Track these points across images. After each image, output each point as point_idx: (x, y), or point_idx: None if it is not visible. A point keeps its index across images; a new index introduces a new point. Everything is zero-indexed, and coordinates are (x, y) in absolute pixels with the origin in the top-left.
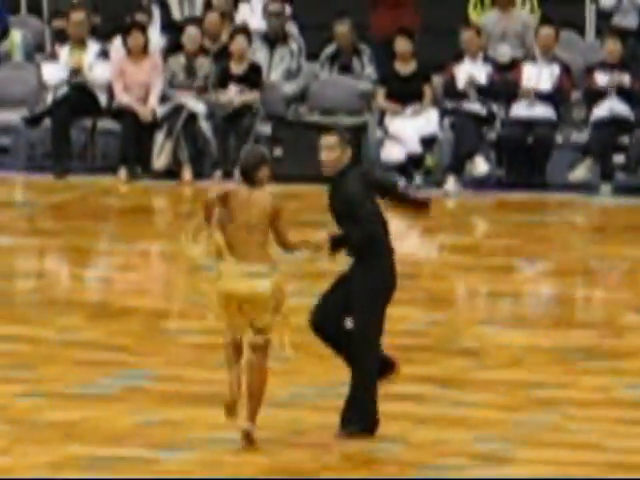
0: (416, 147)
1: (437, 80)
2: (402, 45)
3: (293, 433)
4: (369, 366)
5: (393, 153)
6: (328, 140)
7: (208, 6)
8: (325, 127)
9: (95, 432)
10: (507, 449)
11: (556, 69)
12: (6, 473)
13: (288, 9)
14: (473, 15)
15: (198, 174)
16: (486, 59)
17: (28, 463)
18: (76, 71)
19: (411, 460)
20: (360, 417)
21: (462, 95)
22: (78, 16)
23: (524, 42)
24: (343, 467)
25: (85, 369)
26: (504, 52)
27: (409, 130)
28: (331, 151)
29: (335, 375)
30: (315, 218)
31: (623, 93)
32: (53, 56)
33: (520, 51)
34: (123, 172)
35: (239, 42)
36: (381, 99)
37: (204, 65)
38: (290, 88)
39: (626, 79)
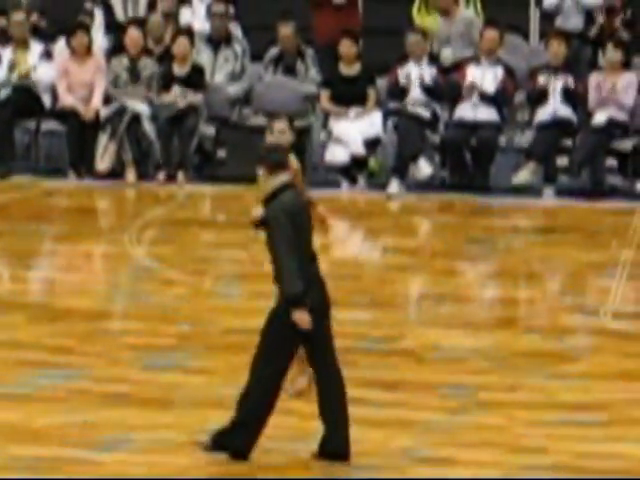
0: (360, 149)
1: (381, 82)
2: (346, 47)
3: None
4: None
5: (337, 155)
6: (280, 125)
7: (152, 7)
8: (272, 114)
9: (36, 432)
10: (448, 451)
11: (500, 71)
12: None
13: (232, 10)
14: (417, 18)
15: (142, 175)
16: (431, 61)
17: None
18: (20, 72)
19: (352, 461)
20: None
21: (405, 97)
22: (18, 16)
23: (470, 41)
24: (284, 468)
25: (25, 369)
26: (447, 55)
27: (353, 132)
28: (284, 134)
29: None
30: None
31: (566, 96)
32: None
33: (468, 51)
34: (71, 174)
35: (181, 43)
36: (325, 101)
37: (147, 66)
38: (234, 90)
39: (569, 81)
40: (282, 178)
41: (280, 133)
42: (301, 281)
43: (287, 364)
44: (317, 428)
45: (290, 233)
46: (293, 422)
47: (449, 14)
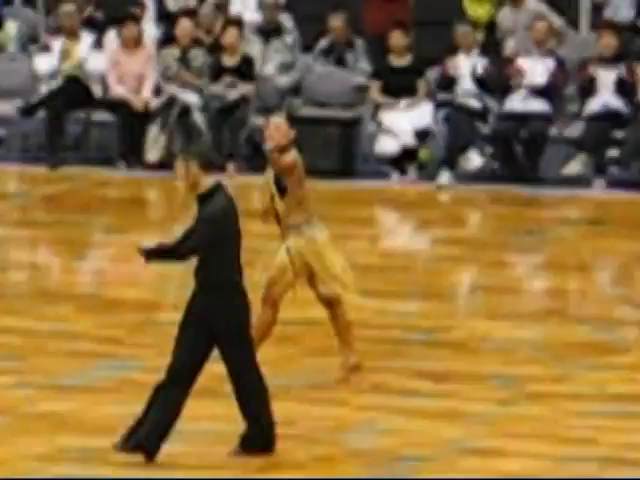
0: (410, 140)
1: (431, 74)
2: (397, 39)
3: (279, 425)
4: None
5: (387, 146)
6: (275, 120)
7: None
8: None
9: (86, 423)
10: (497, 442)
11: (551, 63)
12: (1, 465)
13: (282, 1)
14: (469, 9)
15: None
16: (485, 51)
17: (19, 454)
18: (70, 63)
19: (401, 452)
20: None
21: (455, 88)
22: (68, 7)
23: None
24: (337, 458)
25: (76, 360)
26: (510, 45)
27: (403, 123)
28: (277, 131)
29: (321, 366)
30: None
31: (617, 87)
32: (47, 47)
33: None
34: (122, 164)
35: (231, 34)
36: (375, 92)
37: (198, 57)
38: (284, 81)
39: (620, 73)
40: (215, 179)
41: (276, 126)
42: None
43: None
44: (365, 419)
45: (213, 239)
46: (340, 412)
47: (517, 4)
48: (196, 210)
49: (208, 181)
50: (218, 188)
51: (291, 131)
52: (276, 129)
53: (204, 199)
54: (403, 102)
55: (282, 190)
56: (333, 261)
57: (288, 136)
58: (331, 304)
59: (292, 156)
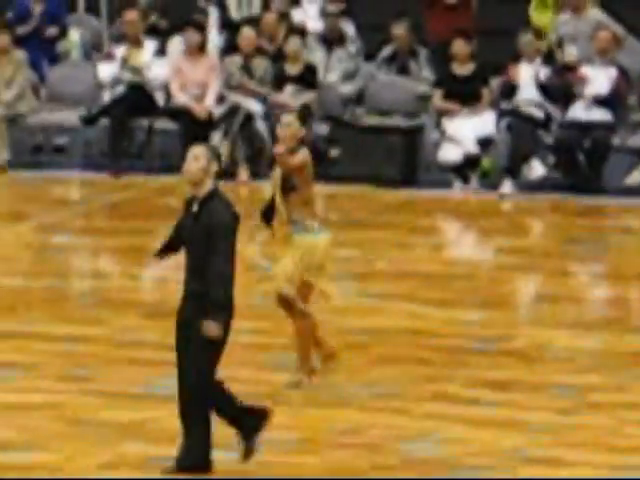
0: (473, 148)
1: (494, 82)
2: (459, 47)
3: (343, 433)
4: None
5: (450, 154)
6: (286, 119)
7: (266, 6)
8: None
9: (150, 432)
10: (557, 452)
11: (613, 72)
12: (61, 472)
13: (345, 10)
14: (534, 16)
15: (254, 174)
16: (547, 60)
17: (83, 462)
18: (134, 70)
19: (462, 462)
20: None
21: (518, 97)
22: (131, 15)
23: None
24: (397, 468)
25: (140, 369)
26: (571, 53)
27: (466, 131)
28: (288, 127)
29: (384, 375)
30: (370, 218)
31: None
32: (110, 55)
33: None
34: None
35: (293, 43)
36: (438, 99)
37: (261, 65)
38: (347, 89)
39: None
40: (215, 183)
41: (286, 126)
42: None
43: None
44: (427, 428)
45: (234, 242)
46: (403, 421)
47: (580, 11)
48: (189, 211)
49: (210, 184)
50: (217, 192)
51: (301, 130)
52: (286, 128)
53: (206, 201)
54: (466, 109)
55: (287, 190)
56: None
57: (297, 136)
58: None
59: (301, 156)
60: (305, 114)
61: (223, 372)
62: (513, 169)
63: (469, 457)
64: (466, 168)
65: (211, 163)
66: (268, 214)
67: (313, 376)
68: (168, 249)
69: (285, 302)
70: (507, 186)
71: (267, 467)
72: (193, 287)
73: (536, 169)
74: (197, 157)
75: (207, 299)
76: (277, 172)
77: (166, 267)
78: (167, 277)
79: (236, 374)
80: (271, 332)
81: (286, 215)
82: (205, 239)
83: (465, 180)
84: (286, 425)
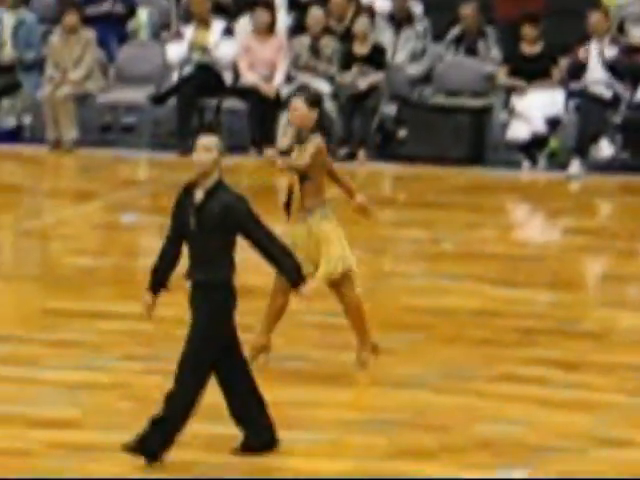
0: (541, 127)
1: (563, 62)
2: (528, 30)
3: (412, 414)
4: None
5: (519, 132)
6: (295, 103)
7: None
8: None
9: (216, 411)
10: (628, 432)
11: None
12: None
13: None
14: None
15: None
16: (614, 40)
17: None
18: (202, 50)
19: (533, 442)
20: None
21: (586, 77)
22: None
23: None
24: (465, 448)
25: None
26: (635, 33)
27: (535, 109)
28: (296, 112)
29: (453, 356)
30: (438, 198)
31: None
32: (178, 34)
33: None
34: (253, 151)
35: (362, 23)
36: (503, 75)
37: (329, 46)
38: (415, 69)
39: None
40: (220, 173)
41: (293, 110)
42: None
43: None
44: (496, 408)
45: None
46: (471, 402)
47: None
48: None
49: (216, 174)
50: (223, 182)
51: (311, 113)
52: (293, 111)
53: (213, 191)
54: (533, 87)
55: (302, 178)
56: (336, 246)
57: (307, 120)
58: (337, 284)
59: (315, 144)
60: (315, 98)
61: (293, 351)
62: (581, 149)
63: (539, 438)
64: (534, 148)
65: (221, 154)
66: (289, 202)
67: (377, 353)
68: (169, 256)
69: (334, 284)
70: (575, 166)
71: (339, 448)
72: (199, 278)
73: (604, 149)
74: (208, 148)
75: (284, 274)
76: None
77: None
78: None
79: (306, 354)
80: (341, 313)
81: (300, 202)
82: (216, 228)
83: (533, 161)
84: (354, 405)
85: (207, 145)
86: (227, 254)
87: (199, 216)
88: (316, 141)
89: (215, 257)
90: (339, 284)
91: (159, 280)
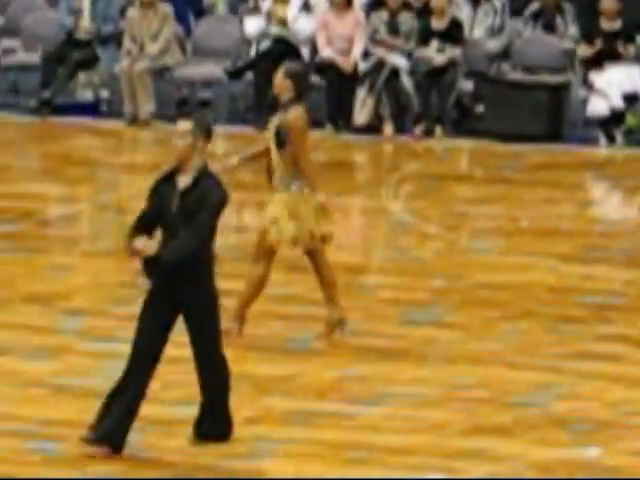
0: (619, 102)
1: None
2: (608, 3)
3: (485, 388)
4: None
5: (598, 108)
6: (277, 75)
7: None
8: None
9: (294, 386)
10: None
11: None
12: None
13: None
14: None
15: (399, 129)
16: None
17: None
18: (280, 24)
19: (605, 419)
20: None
21: None
22: None
23: None
24: (539, 425)
25: (285, 323)
26: None
27: (613, 85)
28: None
29: (532, 335)
30: (515, 175)
31: None
32: (256, 9)
33: None
34: (329, 127)
35: None
36: (583, 51)
37: (407, 21)
38: (493, 45)
39: None
40: (203, 159)
41: (275, 87)
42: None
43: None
44: (567, 384)
45: (215, 222)
46: (542, 377)
47: None
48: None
49: (198, 160)
50: (207, 169)
51: (285, 87)
52: (277, 82)
53: (197, 179)
54: (612, 62)
55: (278, 145)
56: (311, 218)
57: (285, 89)
58: (312, 255)
59: (293, 113)
60: (292, 69)
61: (363, 326)
62: None
63: (614, 416)
64: (612, 124)
65: (197, 139)
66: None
67: (342, 327)
68: (142, 230)
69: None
70: None
71: (404, 421)
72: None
73: None
74: (182, 134)
75: (157, 260)
76: (272, 125)
77: None
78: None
79: (376, 329)
80: (411, 288)
81: (278, 169)
82: (195, 213)
83: (611, 138)
84: (430, 381)
85: (181, 131)
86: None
87: (181, 204)
88: (295, 110)
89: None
90: (312, 254)
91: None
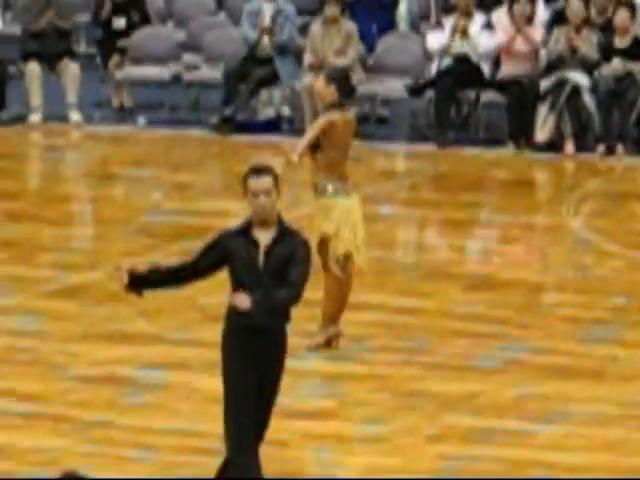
0: None
1: None
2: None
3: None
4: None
5: None
6: (318, 83)
7: None
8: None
9: (474, 404)
10: None
11: None
12: (389, 443)
13: None
14: None
15: (581, 147)
16: None
17: (410, 434)
18: (463, 41)
19: None
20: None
21: None
22: None
23: None
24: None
25: (464, 341)
26: None
27: None
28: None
29: None
30: None
31: None
32: (438, 24)
33: None
34: (510, 145)
35: (622, 15)
36: None
37: (589, 38)
38: None
39: None
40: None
41: (317, 94)
42: None
43: None
44: None
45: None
46: None
47: None
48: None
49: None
50: (282, 220)
51: (328, 89)
52: (319, 88)
53: (280, 234)
54: None
55: (312, 149)
56: (346, 231)
57: (325, 97)
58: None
59: (325, 118)
60: (333, 74)
61: (543, 344)
62: None
63: None
64: None
65: (279, 191)
66: None
67: (337, 341)
68: (171, 277)
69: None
70: None
71: (583, 439)
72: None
73: None
74: (268, 191)
75: (274, 295)
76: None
77: (489, 239)
78: (491, 250)
79: (556, 347)
80: (591, 305)
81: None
82: (283, 268)
83: None
84: (609, 399)
85: (267, 188)
86: None
87: (268, 257)
88: (329, 116)
89: None
90: (325, 264)
91: (149, 277)
